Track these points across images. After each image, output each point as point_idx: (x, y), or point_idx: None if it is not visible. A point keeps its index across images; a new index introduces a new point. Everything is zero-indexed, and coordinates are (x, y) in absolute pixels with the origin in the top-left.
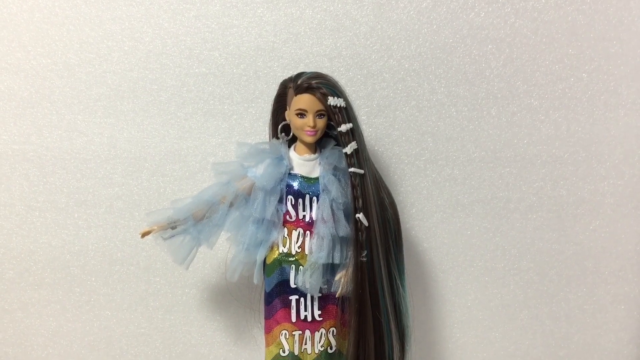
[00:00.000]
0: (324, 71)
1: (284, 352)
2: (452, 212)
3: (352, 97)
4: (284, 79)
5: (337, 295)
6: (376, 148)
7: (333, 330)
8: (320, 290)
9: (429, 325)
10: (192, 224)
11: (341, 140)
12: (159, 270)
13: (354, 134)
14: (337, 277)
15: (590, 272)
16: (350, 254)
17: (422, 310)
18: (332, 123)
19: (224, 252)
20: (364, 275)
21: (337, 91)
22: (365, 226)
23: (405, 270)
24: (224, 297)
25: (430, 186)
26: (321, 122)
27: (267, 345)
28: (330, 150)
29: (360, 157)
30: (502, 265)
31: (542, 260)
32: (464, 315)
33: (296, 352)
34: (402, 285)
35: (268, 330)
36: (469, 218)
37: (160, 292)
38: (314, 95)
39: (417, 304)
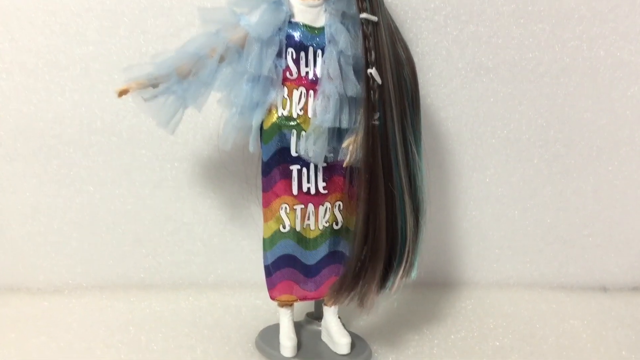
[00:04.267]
0: None
1: (284, 227)
2: (474, 76)
3: None
4: None
5: (344, 165)
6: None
7: (339, 205)
8: (326, 159)
9: (442, 203)
10: (176, 81)
11: None
12: (144, 142)
13: None
14: (344, 144)
15: (624, 143)
16: (361, 116)
17: (436, 186)
18: None
19: (216, 121)
20: (376, 141)
21: None
22: (378, 84)
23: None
24: (217, 171)
25: (450, 46)
26: None
27: (266, 220)
28: None
29: (373, 0)
30: (527, 136)
31: (572, 130)
32: (482, 192)
33: (298, 228)
34: (419, 154)
35: (266, 204)
36: (492, 83)
37: (147, 165)
38: None
39: (431, 178)
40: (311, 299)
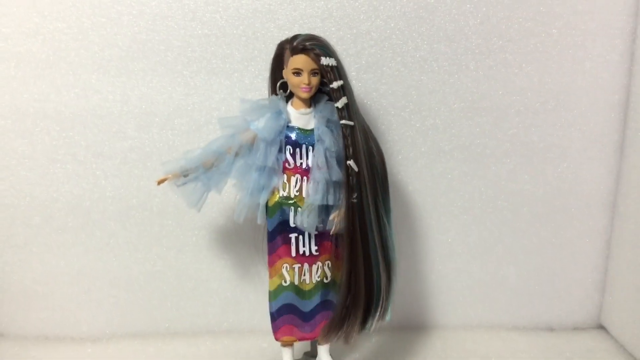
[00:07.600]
0: (317, 31)
1: (285, 282)
2: (435, 158)
3: (342, 55)
4: (280, 40)
5: (331, 233)
6: (365, 101)
7: (328, 263)
8: (317, 229)
9: (414, 259)
10: (202, 172)
11: (333, 96)
12: (171, 214)
13: (345, 89)
14: (331, 217)
15: (559, 209)
16: (343, 196)
17: (408, 246)
18: (325, 80)
19: (230, 197)
20: (355, 215)
21: (329, 51)
22: (355, 171)
23: (392, 210)
24: (230, 238)
25: (414, 135)
26: (315, 80)
27: (271, 277)
28: (323, 105)
29: (350, 110)
30: (480, 205)
31: (516, 200)
32: (445, 250)
33: (296, 282)
34: (389, 223)
35: (271, 264)
36: (449, 163)
37: (172, 234)
38: (309, 55)
39: (403, 240)
40: (308, 339)
